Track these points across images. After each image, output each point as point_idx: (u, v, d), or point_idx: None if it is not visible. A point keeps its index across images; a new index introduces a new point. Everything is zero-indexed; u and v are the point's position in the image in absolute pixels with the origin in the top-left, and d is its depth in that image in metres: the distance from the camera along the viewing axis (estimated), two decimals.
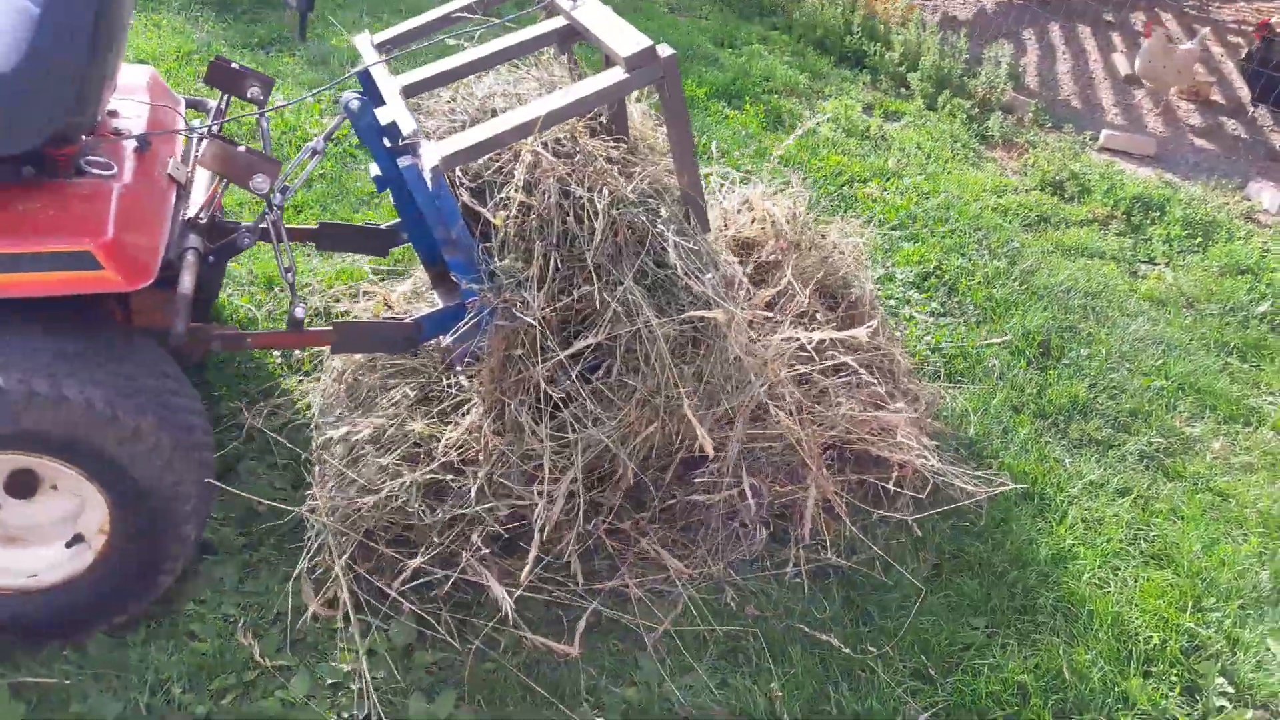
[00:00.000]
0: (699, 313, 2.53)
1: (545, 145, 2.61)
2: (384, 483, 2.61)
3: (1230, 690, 2.57)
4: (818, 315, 3.21)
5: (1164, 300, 4.36)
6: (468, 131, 2.54)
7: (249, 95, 2.81)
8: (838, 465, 3.04)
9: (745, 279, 3.04)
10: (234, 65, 2.79)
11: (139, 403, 2.13)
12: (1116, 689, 2.55)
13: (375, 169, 2.81)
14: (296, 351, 3.32)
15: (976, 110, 6.09)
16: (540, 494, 2.50)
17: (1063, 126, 6.09)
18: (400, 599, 2.48)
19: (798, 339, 2.98)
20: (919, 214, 4.71)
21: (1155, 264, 4.73)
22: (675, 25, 6.90)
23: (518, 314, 2.47)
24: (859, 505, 2.94)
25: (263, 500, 2.61)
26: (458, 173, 2.68)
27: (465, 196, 2.64)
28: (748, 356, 2.69)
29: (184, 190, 2.61)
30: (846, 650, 2.59)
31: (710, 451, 2.56)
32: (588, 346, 2.52)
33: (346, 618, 2.46)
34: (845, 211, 4.62)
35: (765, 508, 2.86)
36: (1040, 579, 2.86)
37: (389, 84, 2.71)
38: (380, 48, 2.95)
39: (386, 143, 2.64)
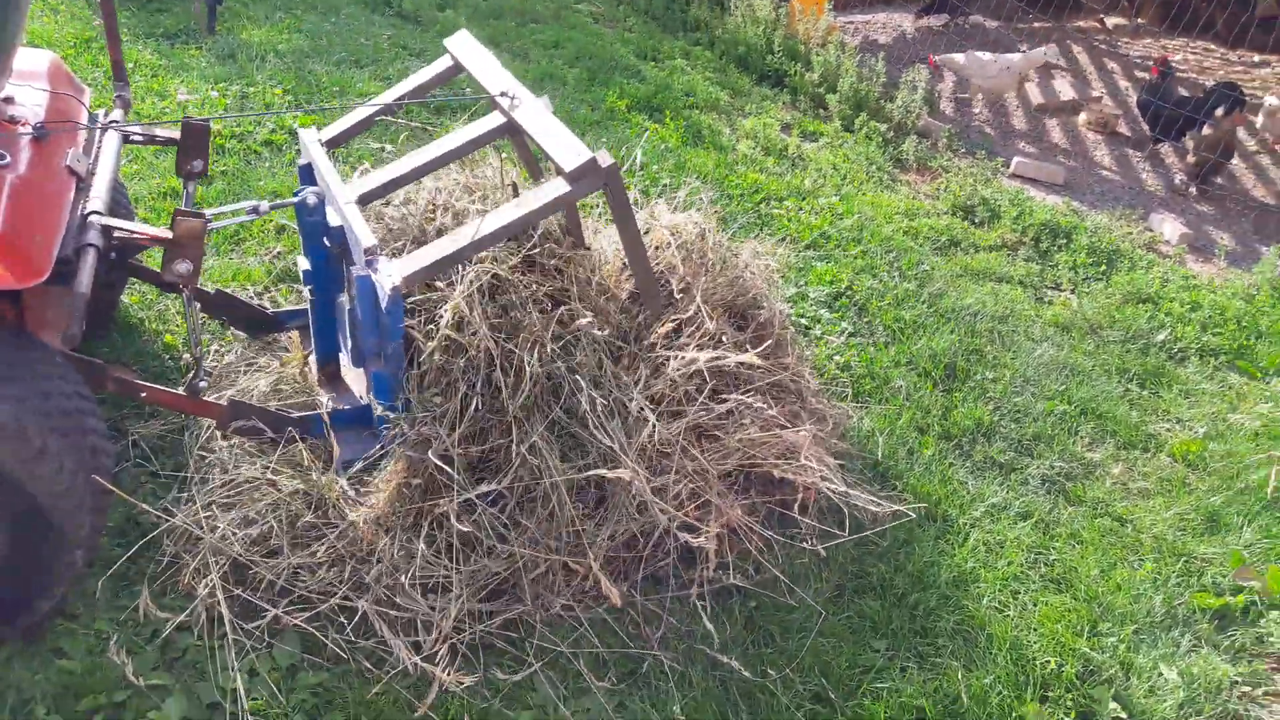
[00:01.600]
0: (603, 473, 2.63)
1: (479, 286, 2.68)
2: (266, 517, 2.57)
3: (1124, 715, 2.59)
4: (724, 338, 3.17)
5: (1068, 326, 4.45)
6: (425, 250, 2.63)
7: (189, 169, 2.85)
8: (743, 486, 3.00)
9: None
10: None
11: (49, 421, 2.01)
12: (1013, 714, 2.56)
13: (305, 263, 2.96)
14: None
15: (892, 134, 6.17)
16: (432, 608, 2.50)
17: (975, 152, 6.21)
18: (282, 615, 2.36)
19: (696, 362, 2.95)
20: (833, 234, 4.74)
21: (1061, 290, 4.84)
22: (600, 36, 6.86)
23: (431, 452, 2.52)
24: (762, 532, 2.90)
25: (148, 508, 2.47)
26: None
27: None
28: (653, 500, 2.71)
29: (84, 183, 2.47)
30: (747, 673, 2.55)
31: (617, 603, 2.57)
32: (492, 491, 2.61)
33: (226, 636, 2.34)
34: (761, 229, 4.62)
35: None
36: (941, 601, 2.86)
37: (342, 190, 2.73)
38: (328, 143, 3.05)
39: (327, 242, 2.77)
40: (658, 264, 3.16)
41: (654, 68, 6.51)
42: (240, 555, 2.48)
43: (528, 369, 2.60)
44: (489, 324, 2.62)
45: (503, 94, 2.93)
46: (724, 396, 3.00)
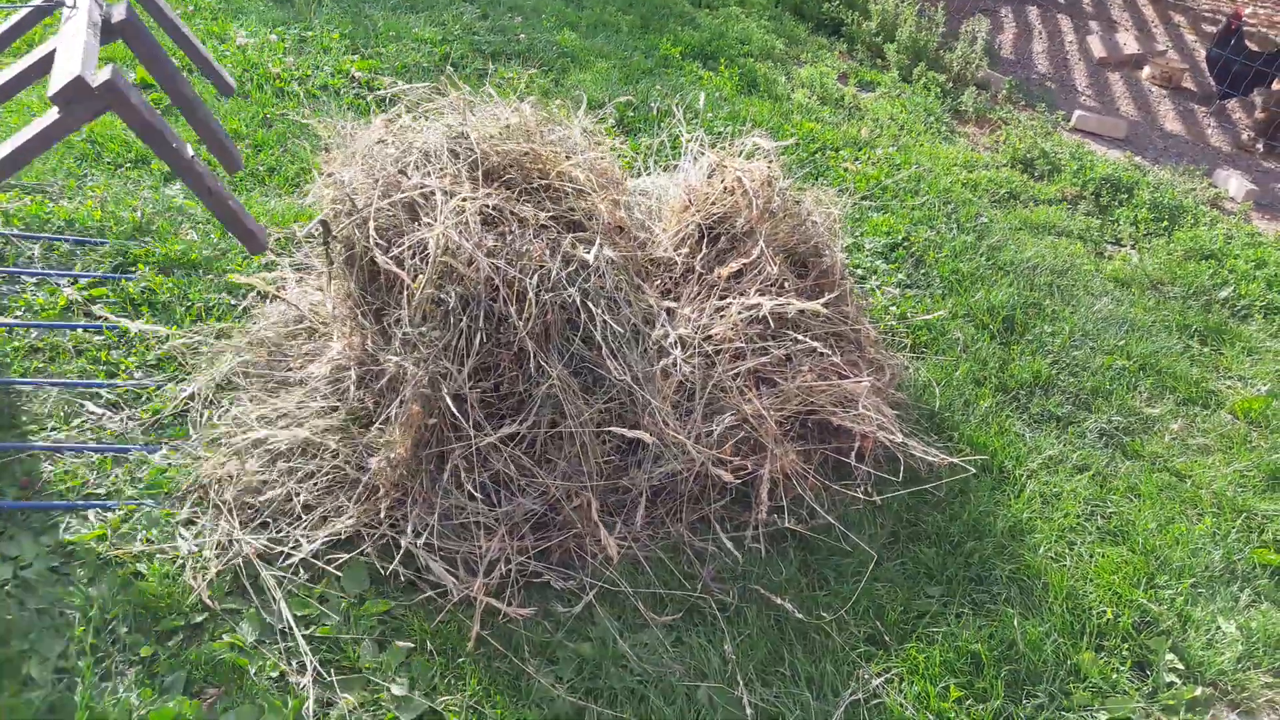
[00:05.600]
0: (624, 431, 2.61)
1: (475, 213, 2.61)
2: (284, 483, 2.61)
3: (1180, 667, 2.60)
4: (786, 284, 3.17)
5: (1128, 281, 4.38)
6: None
7: None
8: (798, 433, 3.01)
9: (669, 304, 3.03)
10: None
11: None
12: (1069, 662, 2.57)
13: None
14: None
15: (950, 85, 6.06)
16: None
17: (1035, 105, 6.09)
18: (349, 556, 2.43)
19: (760, 307, 2.95)
20: (889, 185, 4.68)
21: (1121, 245, 4.75)
22: None
23: (443, 387, 2.48)
24: (819, 479, 2.91)
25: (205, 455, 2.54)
26: (371, 231, 2.62)
27: (378, 255, 2.59)
28: (673, 444, 2.70)
29: None
30: (801, 615, 2.58)
31: (614, 554, 2.57)
32: (517, 433, 2.59)
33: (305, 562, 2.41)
34: (817, 179, 4.58)
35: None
36: (996, 550, 2.87)
37: None
38: None
39: None
40: (724, 206, 3.15)
41: (708, 15, 6.43)
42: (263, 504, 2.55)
43: (531, 293, 2.54)
44: (486, 251, 2.56)
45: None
46: (784, 341, 3.00)
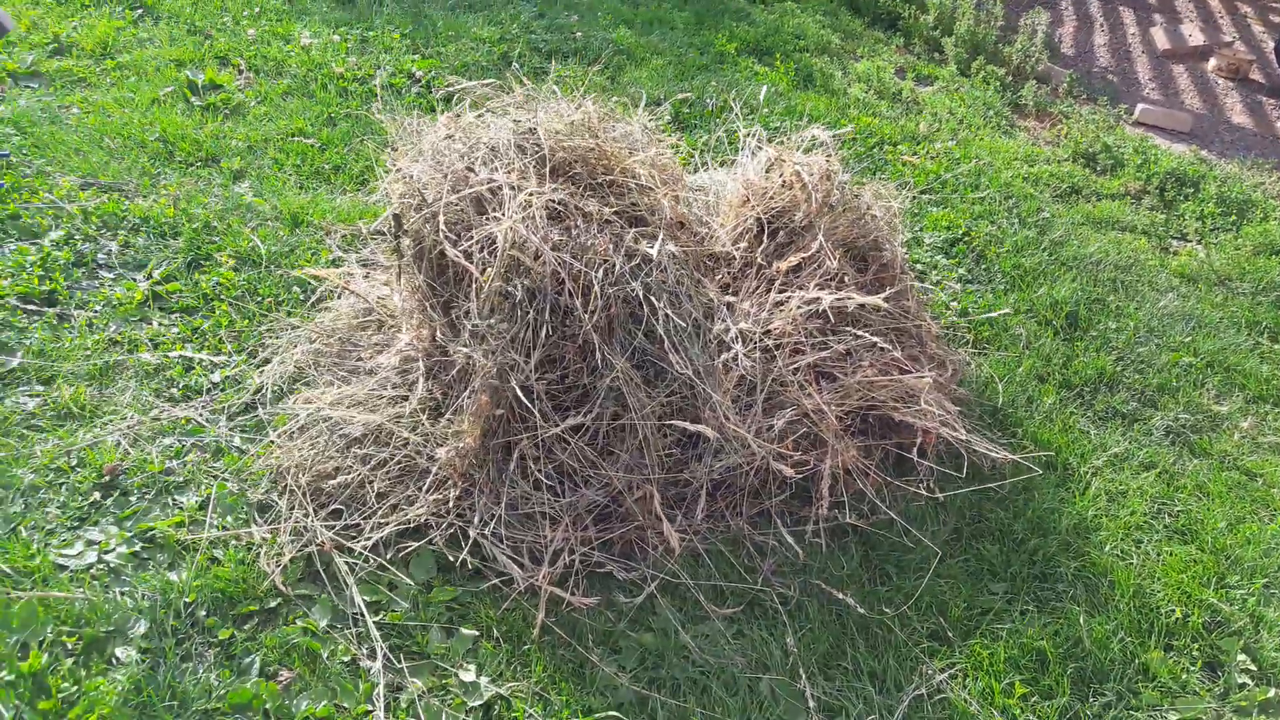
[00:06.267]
0: (686, 424, 2.63)
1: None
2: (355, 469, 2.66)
3: (1253, 668, 2.55)
4: (846, 278, 3.17)
5: (1195, 277, 4.29)
6: None
7: None
8: (859, 428, 3.01)
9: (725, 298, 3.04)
10: None
11: None
12: (1137, 660, 2.53)
13: None
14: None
15: (1010, 78, 5.99)
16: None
17: (1097, 99, 5.99)
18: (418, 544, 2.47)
19: (820, 302, 2.95)
20: (949, 179, 4.64)
21: (1187, 240, 4.66)
22: None
23: (512, 378, 2.52)
24: (880, 474, 2.91)
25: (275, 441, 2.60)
26: (440, 224, 2.66)
27: (448, 249, 2.62)
28: (734, 438, 2.71)
29: None
30: (862, 609, 2.57)
31: (676, 546, 2.59)
32: (582, 425, 2.62)
33: (375, 549, 2.47)
34: (875, 174, 4.56)
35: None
36: (1061, 548, 2.84)
37: None
38: None
39: None
40: (783, 200, 3.15)
41: (763, 10, 6.42)
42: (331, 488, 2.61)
43: (595, 287, 2.57)
44: (551, 245, 2.59)
45: None
46: (844, 336, 2.99)
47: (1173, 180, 5.04)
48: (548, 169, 2.82)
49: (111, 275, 3.30)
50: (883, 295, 3.04)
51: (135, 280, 3.28)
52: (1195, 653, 2.58)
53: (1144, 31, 7.19)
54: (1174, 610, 2.67)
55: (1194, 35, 7.07)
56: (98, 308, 3.14)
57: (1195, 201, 4.91)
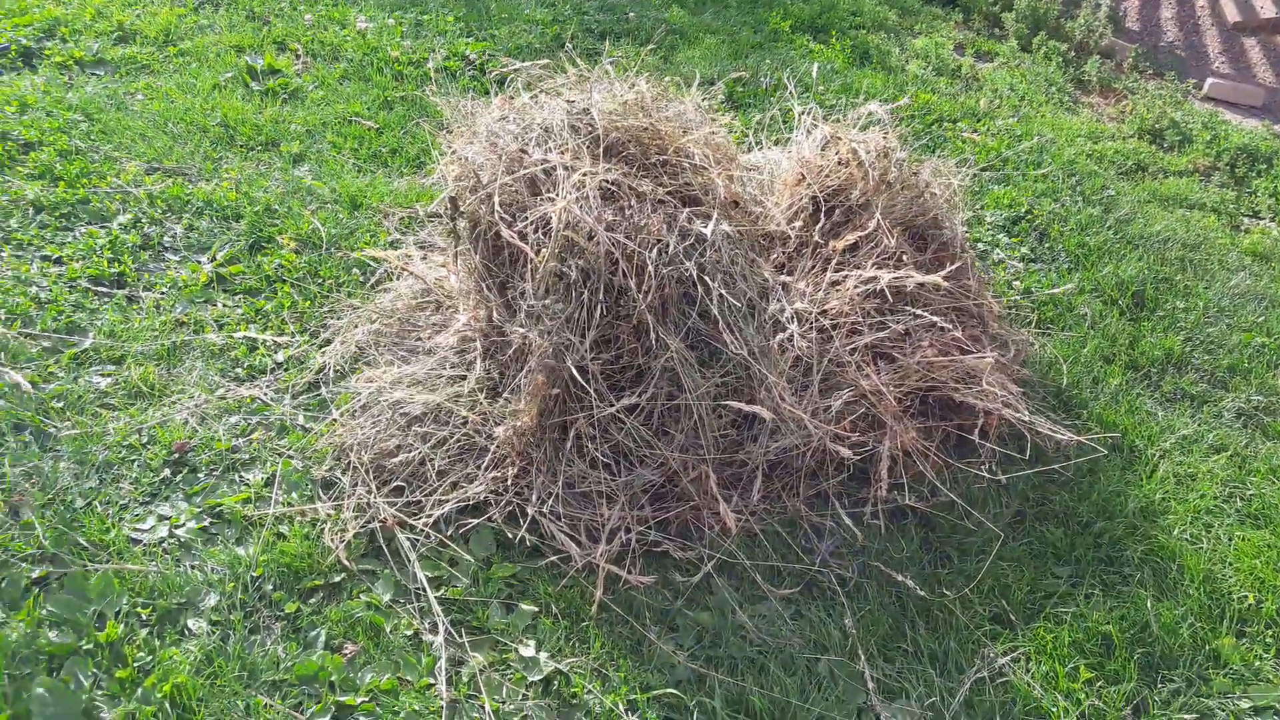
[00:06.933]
0: (741, 404, 2.61)
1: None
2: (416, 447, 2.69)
3: None
4: (904, 257, 3.12)
5: (1268, 255, 4.17)
6: None
7: None
8: (919, 409, 2.97)
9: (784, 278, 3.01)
10: None
11: None
12: (1207, 647, 2.48)
13: None
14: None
15: (1073, 54, 5.85)
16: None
17: (1164, 74, 5.83)
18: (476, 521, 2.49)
19: (878, 280, 2.91)
20: (1010, 156, 4.55)
21: (1260, 218, 4.53)
22: None
23: (567, 358, 2.52)
24: (940, 456, 2.87)
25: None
26: (496, 205, 2.67)
27: (503, 230, 2.62)
28: (790, 419, 2.69)
29: None
30: (923, 592, 2.55)
31: (732, 527, 2.58)
32: (637, 405, 2.62)
33: (435, 525, 2.50)
34: (934, 151, 4.48)
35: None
36: (1128, 531, 2.78)
37: None
38: None
39: None
40: (839, 178, 3.11)
41: None
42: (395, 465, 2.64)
43: (650, 267, 2.56)
44: (605, 225, 2.58)
45: None
46: (903, 316, 2.95)
47: (1244, 156, 4.89)
48: (601, 149, 2.81)
49: (177, 257, 3.37)
50: (942, 273, 2.99)
51: (200, 262, 3.35)
52: (1269, 639, 2.52)
53: (1213, 3, 6.97)
54: (1246, 596, 2.61)
55: (1266, 7, 6.84)
56: (164, 289, 3.21)
57: (1269, 178, 4.76)
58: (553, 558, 2.50)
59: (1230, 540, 2.79)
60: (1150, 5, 6.91)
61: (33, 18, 4.67)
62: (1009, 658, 2.42)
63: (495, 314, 2.84)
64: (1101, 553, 2.72)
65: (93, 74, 4.40)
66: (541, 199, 2.69)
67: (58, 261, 3.24)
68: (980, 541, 2.71)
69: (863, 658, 2.37)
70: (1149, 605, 2.55)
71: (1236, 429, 3.22)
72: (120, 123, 3.99)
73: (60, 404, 2.73)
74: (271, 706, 2.11)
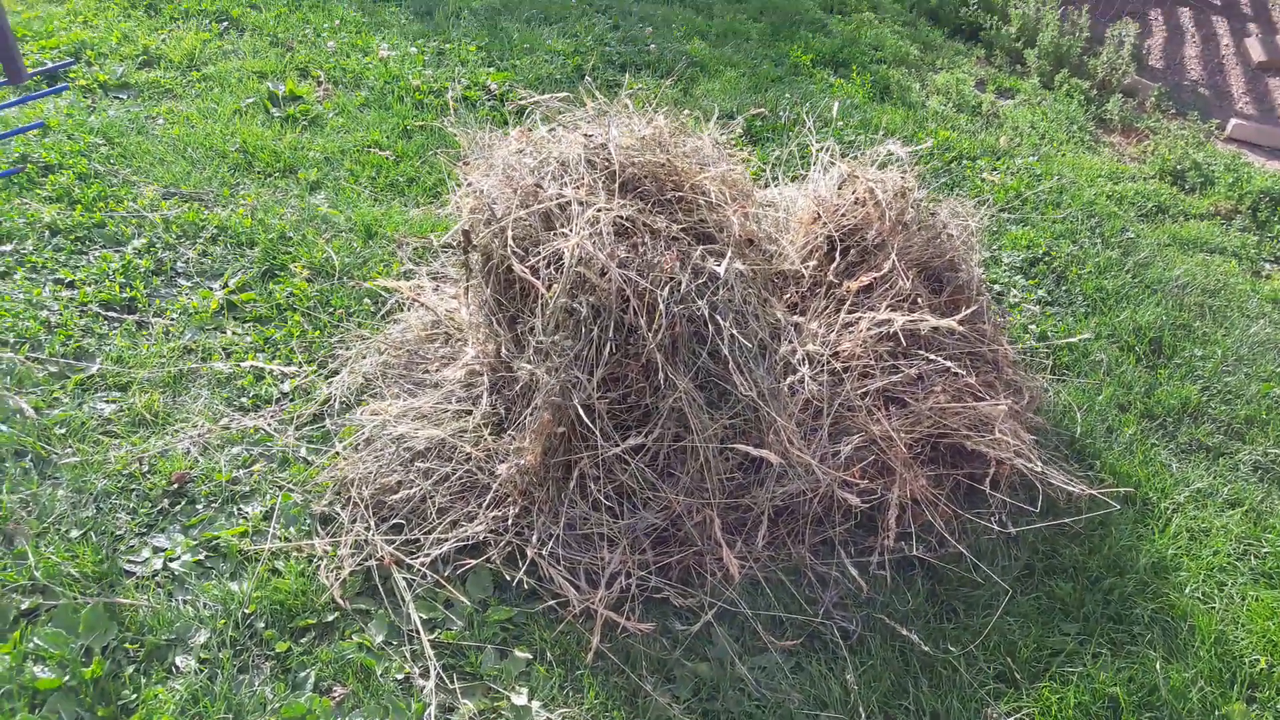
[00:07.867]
0: (749, 448, 2.58)
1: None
2: (418, 483, 2.67)
3: None
4: (919, 299, 3.09)
5: None
6: None
7: None
8: (929, 456, 2.92)
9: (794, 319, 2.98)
10: None
11: None
12: (1217, 712, 2.41)
13: None
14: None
15: (1095, 92, 5.81)
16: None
17: (1187, 113, 5.77)
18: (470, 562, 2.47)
19: (892, 323, 2.87)
20: (1029, 196, 4.51)
21: None
22: None
23: (574, 396, 2.50)
24: (950, 506, 2.82)
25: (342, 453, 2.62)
26: (509, 240, 2.66)
27: (515, 264, 2.61)
28: (798, 464, 2.66)
29: None
30: (927, 647, 2.50)
31: (735, 574, 2.54)
32: (643, 445, 2.58)
33: (433, 565, 2.47)
34: (953, 190, 4.45)
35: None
36: (1138, 588, 2.72)
37: None
38: None
39: None
40: (855, 218, 3.08)
41: (840, 21, 6.33)
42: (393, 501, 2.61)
43: (661, 305, 2.53)
44: (618, 261, 2.56)
45: None
46: (916, 360, 2.92)
47: (1267, 200, 4.83)
48: (617, 184, 2.80)
49: (189, 283, 3.38)
50: (957, 317, 2.95)
51: (211, 289, 3.35)
52: None
53: (1238, 43, 6.92)
54: (1259, 660, 2.54)
55: None
56: (175, 315, 3.21)
57: None
58: (550, 602, 2.47)
59: (1243, 600, 2.72)
60: (1174, 43, 6.86)
61: (59, 40, 4.72)
62: (1014, 719, 2.36)
63: (504, 349, 2.82)
64: (1111, 610, 2.66)
65: (116, 98, 4.44)
66: (555, 234, 2.68)
67: (70, 285, 3.26)
68: (987, 595, 2.66)
69: (863, 715, 2.32)
70: (1158, 667, 2.49)
71: (1253, 483, 3.15)
72: (140, 147, 4.02)
73: (63, 430, 2.73)
74: None
